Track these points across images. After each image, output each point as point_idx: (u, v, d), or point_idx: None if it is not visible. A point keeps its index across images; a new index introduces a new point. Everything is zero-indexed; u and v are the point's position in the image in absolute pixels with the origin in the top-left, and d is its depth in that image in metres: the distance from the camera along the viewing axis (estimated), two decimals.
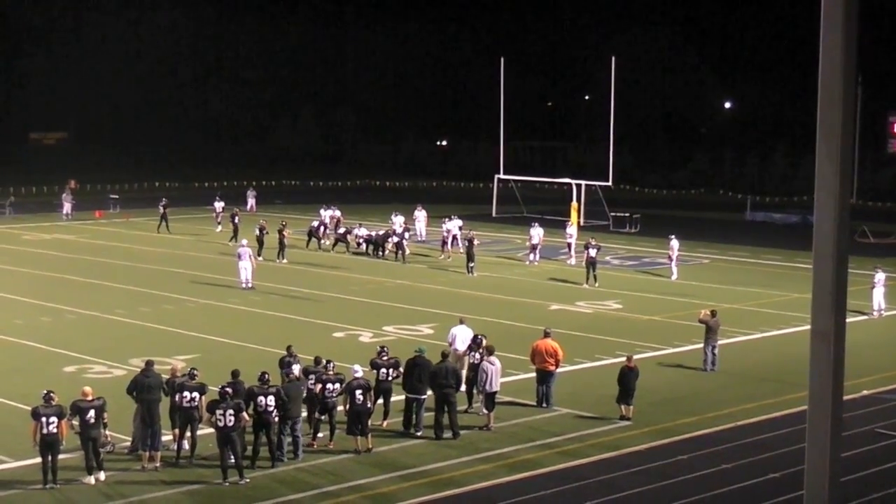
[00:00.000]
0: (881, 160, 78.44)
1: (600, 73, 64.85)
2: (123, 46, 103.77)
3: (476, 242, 39.99)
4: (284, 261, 41.76)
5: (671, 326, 30.85)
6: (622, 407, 21.15)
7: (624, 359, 22.20)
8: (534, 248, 42.58)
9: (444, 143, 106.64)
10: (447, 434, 19.89)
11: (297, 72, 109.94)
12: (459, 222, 45.15)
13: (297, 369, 19.85)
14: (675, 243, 39.21)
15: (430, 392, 20.29)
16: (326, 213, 49.06)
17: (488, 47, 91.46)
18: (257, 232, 42.54)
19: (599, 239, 41.84)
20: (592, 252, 37.41)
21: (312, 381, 19.52)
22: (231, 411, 17.58)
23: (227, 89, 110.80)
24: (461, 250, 44.04)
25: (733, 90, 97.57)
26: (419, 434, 19.98)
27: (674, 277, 38.88)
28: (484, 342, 21.75)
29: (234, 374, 19.04)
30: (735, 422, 21.28)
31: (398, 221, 46.40)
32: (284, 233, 42.14)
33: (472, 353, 21.68)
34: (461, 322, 22.98)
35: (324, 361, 20.14)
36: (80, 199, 60.97)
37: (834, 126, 5.49)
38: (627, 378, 21.20)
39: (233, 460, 17.50)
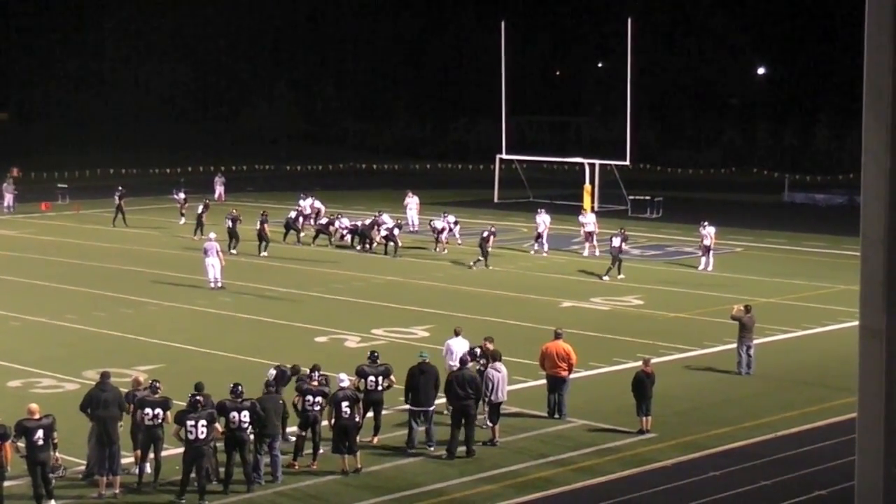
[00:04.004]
0: None
1: (615, 37, 64.79)
2: (73, 13, 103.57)
3: (494, 239, 40.03)
4: (265, 254, 41.84)
5: (700, 324, 30.87)
6: (642, 419, 21.15)
7: (640, 363, 22.16)
8: (539, 236, 42.71)
9: None
10: (459, 450, 19.96)
11: (270, 41, 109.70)
12: (452, 218, 45.01)
13: (272, 374, 19.84)
14: (710, 230, 39.23)
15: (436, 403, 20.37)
16: (306, 203, 48.99)
17: (487, 10, 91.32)
18: (229, 223, 42.55)
19: (618, 226, 41.86)
20: (616, 241, 37.52)
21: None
22: (203, 422, 17.64)
23: (191, 62, 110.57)
24: (458, 241, 44.07)
25: (768, 54, 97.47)
26: (433, 450, 20.05)
27: (709, 268, 38.89)
28: (489, 346, 21.70)
29: (198, 386, 18.86)
30: (774, 432, 21.29)
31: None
32: (266, 226, 42.21)
33: (480, 360, 21.59)
34: (457, 334, 22.88)
35: (305, 370, 20.14)
36: (24, 189, 60.89)
37: (883, 93, 5.46)
38: (644, 385, 21.19)
39: (198, 482, 17.58)
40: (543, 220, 42.81)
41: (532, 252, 42.44)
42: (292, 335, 29.22)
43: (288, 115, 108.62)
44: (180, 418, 17.76)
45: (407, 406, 20.53)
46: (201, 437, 17.60)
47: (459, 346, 22.15)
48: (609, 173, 57.41)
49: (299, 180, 73.12)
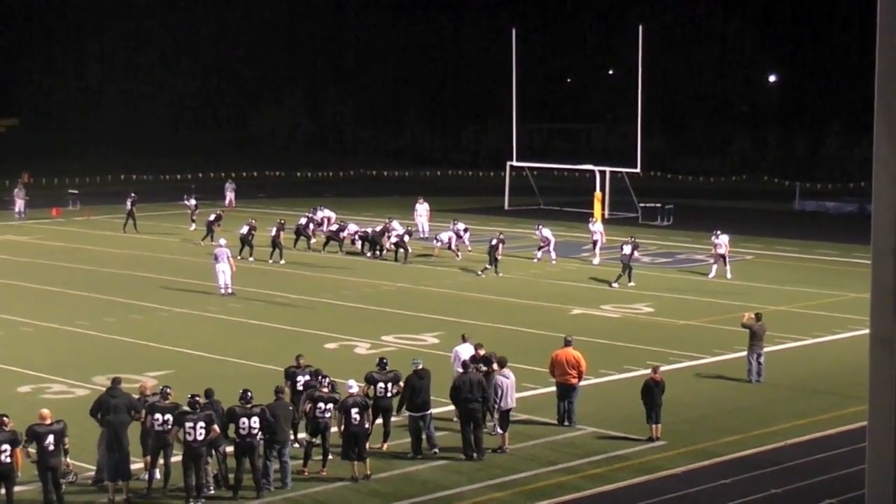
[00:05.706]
0: None
1: (626, 45, 64.75)
2: (83, 20, 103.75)
3: (503, 246, 39.99)
4: (282, 261, 41.89)
5: (710, 332, 30.83)
6: (651, 427, 21.15)
7: (650, 371, 22.17)
8: (542, 247, 42.54)
9: None
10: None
11: (280, 48, 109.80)
12: (462, 225, 44.96)
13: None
14: (724, 238, 39.11)
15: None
16: (319, 216, 48.82)
17: (498, 18, 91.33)
18: (245, 230, 42.59)
19: (628, 233, 41.83)
20: (627, 249, 37.46)
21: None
22: (202, 423, 17.73)
23: (202, 68, 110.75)
24: (469, 248, 44.04)
25: (779, 61, 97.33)
26: (436, 452, 20.10)
27: (728, 276, 38.75)
28: (480, 352, 21.66)
29: (208, 393, 18.98)
30: (784, 440, 21.26)
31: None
32: (282, 233, 42.33)
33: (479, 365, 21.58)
34: (464, 340, 22.93)
35: (317, 376, 20.23)
36: (35, 195, 61.01)
37: (893, 101, 5.46)
38: (653, 393, 21.19)
39: (196, 482, 17.76)
40: (546, 234, 42.58)
41: (535, 260, 42.34)
42: (302, 342, 29.18)
43: (298, 121, 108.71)
44: (179, 419, 17.89)
45: (407, 413, 20.54)
46: (199, 437, 17.69)
47: (467, 352, 22.21)
48: (619, 181, 57.39)
49: (309, 187, 73.22)
